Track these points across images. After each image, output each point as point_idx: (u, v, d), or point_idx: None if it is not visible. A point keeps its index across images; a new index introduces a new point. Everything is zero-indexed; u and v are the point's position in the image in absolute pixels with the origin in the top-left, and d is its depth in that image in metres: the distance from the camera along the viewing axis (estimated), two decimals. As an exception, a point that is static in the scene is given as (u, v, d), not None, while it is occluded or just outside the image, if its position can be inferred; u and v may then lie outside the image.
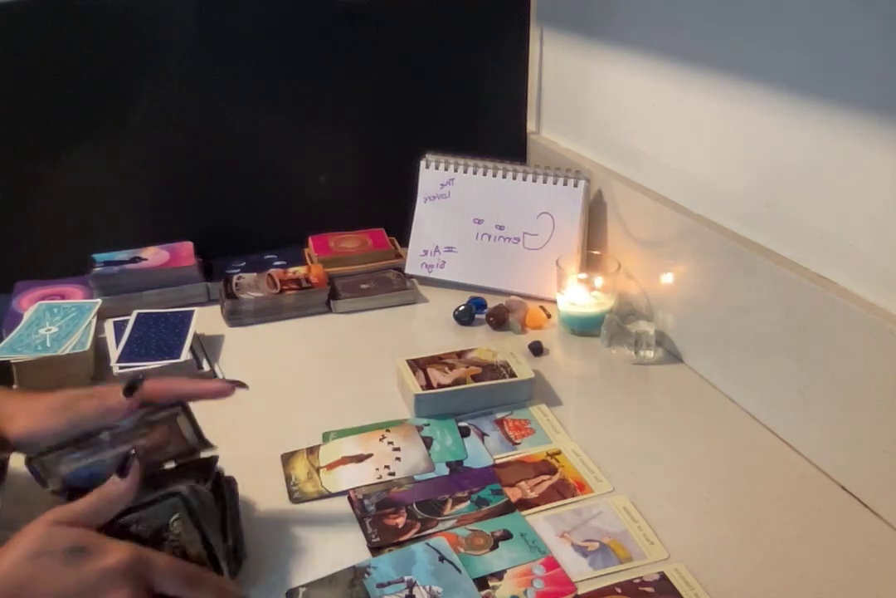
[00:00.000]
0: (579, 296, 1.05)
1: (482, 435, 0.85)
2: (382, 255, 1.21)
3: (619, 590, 0.65)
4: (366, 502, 0.75)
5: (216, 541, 0.62)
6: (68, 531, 0.55)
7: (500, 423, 0.87)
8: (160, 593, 0.56)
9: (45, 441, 0.63)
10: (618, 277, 1.06)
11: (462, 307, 1.08)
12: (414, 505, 0.74)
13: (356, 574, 0.66)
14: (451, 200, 1.17)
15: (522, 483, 0.78)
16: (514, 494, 0.76)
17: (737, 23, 0.84)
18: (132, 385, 0.65)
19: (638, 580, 0.66)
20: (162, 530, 0.60)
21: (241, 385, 0.70)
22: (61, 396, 0.67)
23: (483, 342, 0.98)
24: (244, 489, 0.75)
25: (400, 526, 0.72)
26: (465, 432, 0.85)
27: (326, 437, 0.85)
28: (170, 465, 0.67)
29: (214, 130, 1.16)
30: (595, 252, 1.10)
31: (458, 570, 0.67)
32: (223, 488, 0.68)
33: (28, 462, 0.63)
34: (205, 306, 1.09)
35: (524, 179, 1.14)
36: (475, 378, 0.88)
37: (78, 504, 0.57)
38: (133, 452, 0.60)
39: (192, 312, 1.02)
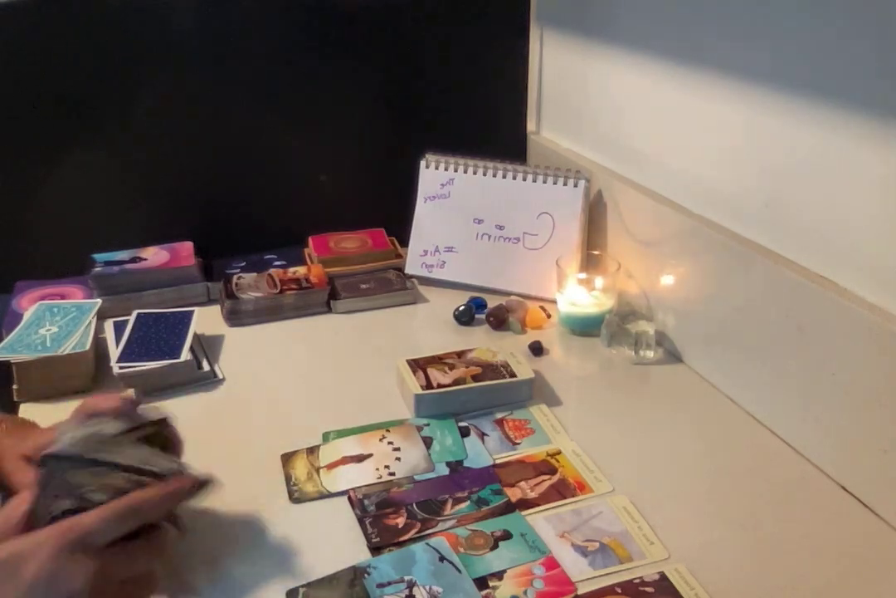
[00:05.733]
0: (579, 296, 1.05)
1: (482, 435, 0.85)
2: (382, 255, 1.21)
3: (619, 590, 0.65)
4: (366, 502, 0.75)
5: (123, 460, 0.58)
6: None
7: (500, 423, 0.87)
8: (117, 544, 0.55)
9: None
10: (618, 277, 1.06)
11: (462, 307, 1.08)
12: (414, 505, 0.74)
13: (356, 574, 0.66)
14: (451, 200, 1.17)
15: (522, 483, 0.78)
16: (514, 494, 0.76)
17: (737, 23, 0.84)
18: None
19: (638, 580, 0.66)
20: (79, 497, 0.56)
21: (137, 404, 0.66)
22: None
23: (483, 342, 0.98)
24: (244, 490, 0.75)
25: (400, 526, 0.72)
26: (465, 432, 0.85)
27: (326, 437, 0.85)
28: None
29: (215, 131, 1.16)
30: (595, 252, 1.10)
31: (458, 570, 0.67)
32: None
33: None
34: (205, 305, 1.09)
35: (524, 179, 1.14)
36: (475, 378, 0.88)
37: None
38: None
39: (192, 312, 1.02)
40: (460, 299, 1.11)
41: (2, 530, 0.55)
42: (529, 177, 1.13)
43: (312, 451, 0.82)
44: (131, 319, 1.01)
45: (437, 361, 0.92)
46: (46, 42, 1.04)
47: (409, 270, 1.19)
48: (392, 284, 1.15)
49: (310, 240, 1.23)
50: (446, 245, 1.17)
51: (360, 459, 0.81)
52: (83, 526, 0.54)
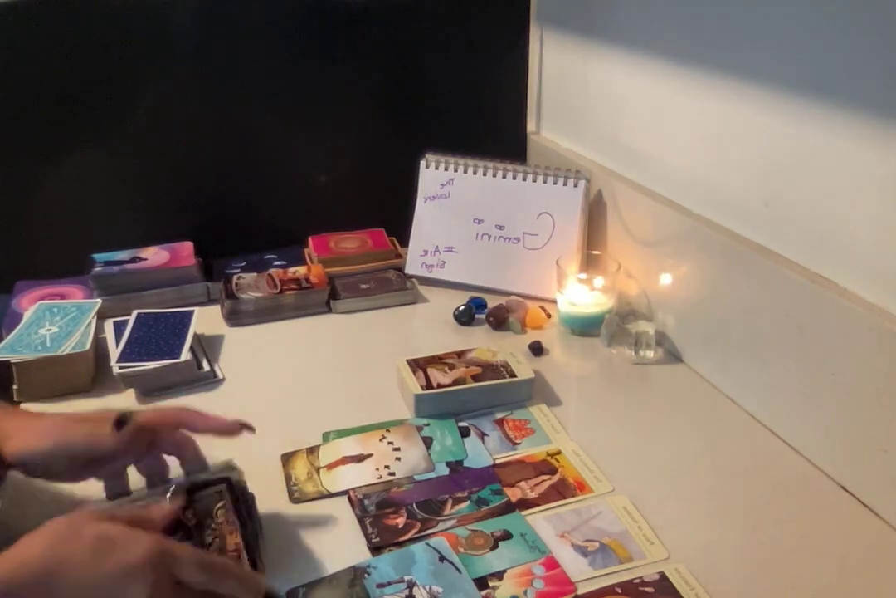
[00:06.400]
0: (579, 296, 1.05)
1: (482, 435, 0.85)
2: (382, 255, 1.21)
3: (619, 590, 0.65)
4: (366, 502, 0.75)
5: (253, 530, 0.63)
6: (98, 520, 0.56)
7: (500, 423, 0.87)
8: (184, 583, 0.57)
9: (36, 463, 0.64)
10: (618, 277, 1.06)
11: (462, 307, 1.08)
12: (414, 505, 0.74)
13: (356, 574, 0.66)
14: (451, 200, 1.17)
15: (522, 483, 0.78)
16: (514, 494, 0.76)
17: (737, 23, 0.84)
18: (122, 419, 0.66)
19: (638, 580, 0.66)
20: (206, 517, 0.62)
21: (249, 429, 0.72)
22: (56, 419, 0.67)
23: (483, 342, 0.98)
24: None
25: (400, 526, 0.72)
26: (465, 432, 0.85)
27: (326, 437, 0.85)
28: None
29: (214, 130, 1.16)
30: (595, 252, 1.10)
31: (458, 570, 0.67)
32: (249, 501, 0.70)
33: None
34: (205, 305, 1.09)
35: (524, 179, 1.14)
36: (475, 378, 0.88)
37: (117, 510, 0.60)
38: (174, 486, 0.64)
39: (192, 312, 1.02)
40: (460, 299, 1.11)
41: (134, 522, 0.58)
42: (529, 177, 1.13)
43: (312, 451, 0.82)
44: (131, 319, 1.01)
45: (437, 361, 0.92)
46: (46, 42, 1.04)
47: (409, 270, 1.19)
48: (392, 284, 1.15)
49: (310, 240, 1.23)
50: (446, 245, 1.17)
51: (360, 459, 0.81)
52: (179, 556, 0.57)
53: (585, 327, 1.04)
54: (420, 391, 0.86)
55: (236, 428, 0.71)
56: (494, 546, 0.69)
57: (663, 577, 0.66)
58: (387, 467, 0.80)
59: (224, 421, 0.71)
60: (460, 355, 0.93)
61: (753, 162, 0.86)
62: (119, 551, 0.54)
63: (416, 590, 0.65)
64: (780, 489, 0.77)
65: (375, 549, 0.69)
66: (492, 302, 1.09)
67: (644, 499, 0.75)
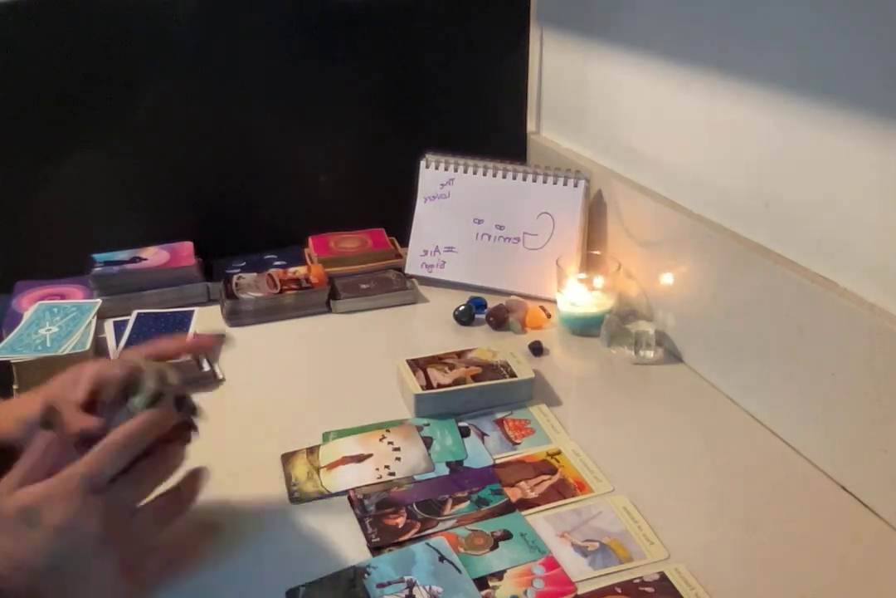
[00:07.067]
0: (579, 296, 1.05)
1: (482, 435, 0.85)
2: (382, 255, 1.21)
3: (619, 590, 0.65)
4: (366, 502, 0.75)
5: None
6: (11, 496, 0.53)
7: (500, 423, 0.87)
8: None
9: None
10: (618, 277, 1.06)
11: (462, 307, 1.08)
12: (414, 505, 0.74)
13: (356, 574, 0.66)
14: (451, 200, 1.17)
15: (522, 483, 0.78)
16: (514, 494, 0.76)
17: (737, 23, 0.84)
18: (47, 421, 0.62)
19: (638, 580, 0.66)
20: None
21: (220, 341, 0.72)
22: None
23: (483, 342, 0.98)
24: (244, 490, 0.75)
25: (400, 526, 0.72)
26: (465, 432, 0.85)
27: (326, 437, 0.85)
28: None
29: (215, 130, 1.16)
30: (595, 252, 1.10)
31: (458, 570, 0.67)
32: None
33: None
34: (205, 306, 1.09)
35: (524, 179, 1.14)
36: (475, 378, 0.88)
37: (15, 469, 0.55)
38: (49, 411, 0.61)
39: (192, 312, 1.02)
40: (460, 299, 1.11)
41: (37, 468, 0.55)
42: (529, 177, 1.13)
43: (312, 451, 0.82)
44: (131, 319, 1.01)
45: (437, 361, 0.92)
46: (46, 42, 1.04)
47: (409, 270, 1.19)
48: (392, 284, 1.15)
49: (310, 240, 1.23)
50: (446, 245, 1.17)
51: (360, 459, 0.81)
52: (81, 473, 0.54)
53: (585, 327, 1.04)
54: (420, 391, 0.86)
55: (208, 342, 0.71)
56: (494, 546, 0.69)
57: (663, 577, 0.66)
58: (387, 467, 0.80)
59: (194, 340, 0.70)
60: (460, 355, 0.93)
61: (753, 162, 0.86)
62: (46, 514, 0.52)
63: (416, 590, 0.65)
64: (780, 489, 0.77)
65: (375, 549, 0.69)
66: (492, 302, 1.09)
67: (644, 499, 0.75)
